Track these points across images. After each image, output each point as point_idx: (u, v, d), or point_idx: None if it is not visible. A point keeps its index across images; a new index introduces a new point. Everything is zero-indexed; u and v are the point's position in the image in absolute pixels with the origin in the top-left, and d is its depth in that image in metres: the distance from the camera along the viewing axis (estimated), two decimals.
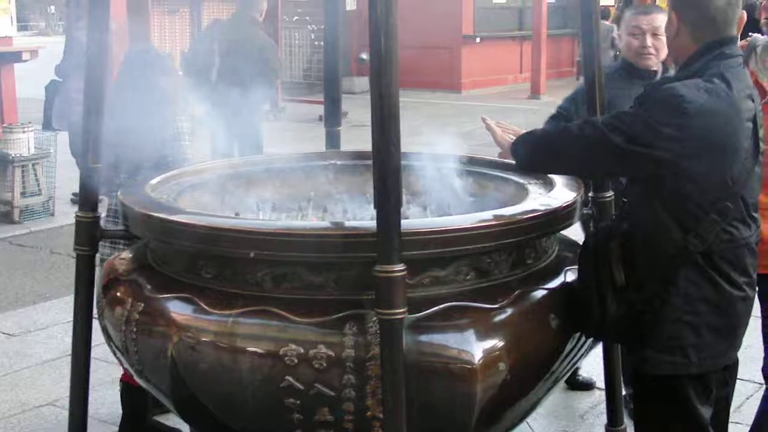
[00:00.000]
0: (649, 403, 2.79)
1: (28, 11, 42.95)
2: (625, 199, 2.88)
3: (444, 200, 3.44)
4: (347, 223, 2.99)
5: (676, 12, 2.69)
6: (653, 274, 2.64)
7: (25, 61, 10.10)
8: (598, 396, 4.39)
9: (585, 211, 3.16)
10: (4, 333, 5.39)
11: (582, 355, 3.00)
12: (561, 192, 3.02)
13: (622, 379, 3.50)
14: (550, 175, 3.18)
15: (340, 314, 2.53)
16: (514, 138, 2.93)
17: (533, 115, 12.25)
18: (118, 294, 2.89)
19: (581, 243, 2.94)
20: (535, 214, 2.79)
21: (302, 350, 2.50)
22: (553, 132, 2.87)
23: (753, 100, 2.67)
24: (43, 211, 8.32)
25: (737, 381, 2.94)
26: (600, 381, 3.91)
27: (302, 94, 15.26)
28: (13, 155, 7.96)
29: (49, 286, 6.24)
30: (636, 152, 2.55)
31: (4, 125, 8.61)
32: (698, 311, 2.64)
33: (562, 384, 3.26)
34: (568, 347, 2.82)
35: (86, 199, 3.07)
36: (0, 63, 10.00)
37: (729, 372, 2.83)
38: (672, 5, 2.73)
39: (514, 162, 2.94)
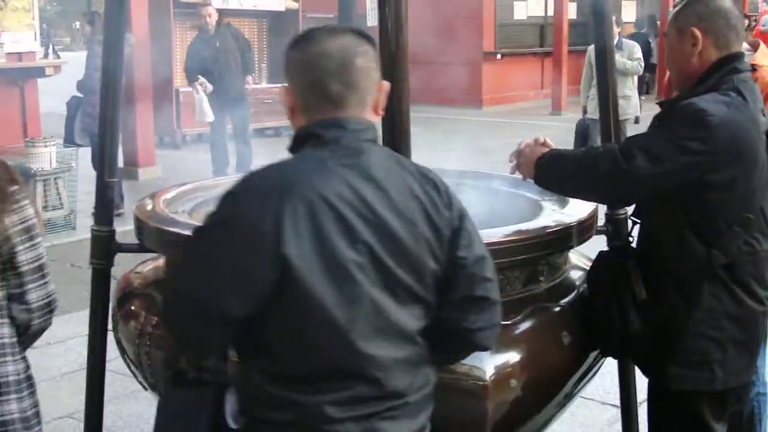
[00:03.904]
0: (666, 420, 2.78)
1: (54, 27, 43.40)
2: (634, 218, 2.88)
3: None
4: None
5: (699, 26, 2.66)
6: (675, 289, 2.63)
7: (49, 76, 10.22)
8: (615, 413, 4.36)
9: (599, 228, 3.15)
10: None
11: (595, 372, 2.99)
12: (575, 208, 3.02)
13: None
14: None
15: None
16: (534, 159, 2.79)
17: (554, 131, 12.23)
18: (133, 308, 2.91)
19: (593, 260, 2.93)
20: (549, 230, 2.79)
21: None
22: (574, 161, 2.71)
23: (764, 115, 2.69)
24: (65, 224, 8.39)
25: None
26: (616, 398, 3.89)
27: None
28: (36, 169, 8.04)
29: (69, 299, 6.26)
30: (662, 173, 2.52)
31: (26, 139, 8.70)
32: (722, 326, 2.62)
33: (576, 400, 3.25)
34: (581, 364, 2.81)
35: (102, 213, 3.10)
36: (23, 78, 10.12)
37: (743, 388, 2.82)
38: (691, 22, 2.67)
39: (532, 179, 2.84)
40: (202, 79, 9.80)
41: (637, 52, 10.05)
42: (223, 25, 10.51)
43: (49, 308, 2.51)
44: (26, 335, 2.50)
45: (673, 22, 2.74)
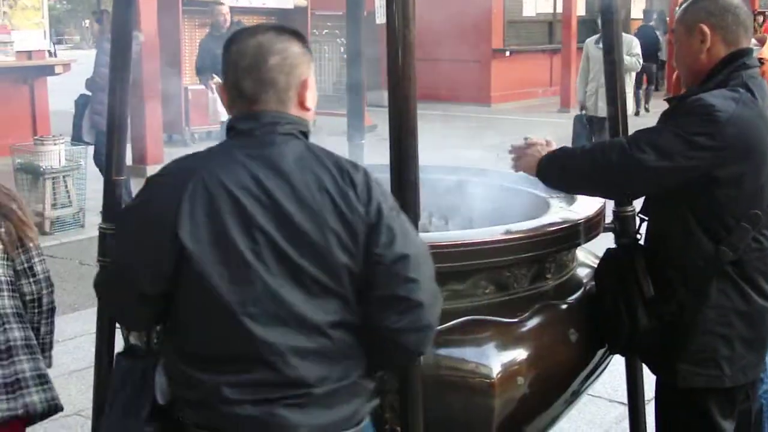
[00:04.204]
0: (674, 417, 2.78)
1: (64, 25, 43.52)
2: (642, 215, 2.87)
3: (466, 213, 3.45)
4: None
5: (707, 22, 2.65)
6: (683, 285, 2.64)
7: (58, 74, 10.25)
8: (622, 411, 4.35)
9: (607, 225, 3.15)
10: None
11: (602, 369, 2.99)
12: (583, 206, 3.02)
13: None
14: None
15: None
16: (538, 156, 2.82)
17: (563, 128, 12.20)
18: None
19: (600, 257, 2.93)
20: (556, 228, 2.79)
21: None
22: (577, 156, 2.72)
23: None
24: (74, 222, 8.41)
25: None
26: (623, 396, 3.88)
27: (332, 107, 15.30)
28: (45, 167, 8.06)
29: (78, 296, 6.30)
30: (670, 167, 2.53)
31: (36, 137, 8.72)
32: (731, 323, 2.62)
33: (584, 398, 3.24)
34: (588, 361, 2.81)
35: (110, 212, 3.11)
36: (33, 76, 10.16)
37: (751, 385, 2.82)
38: (699, 18, 2.67)
39: (537, 175, 2.85)
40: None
41: (636, 47, 9.74)
42: (234, 22, 10.52)
43: (50, 281, 2.89)
44: (41, 313, 2.88)
45: (681, 19, 2.73)
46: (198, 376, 1.97)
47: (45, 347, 2.95)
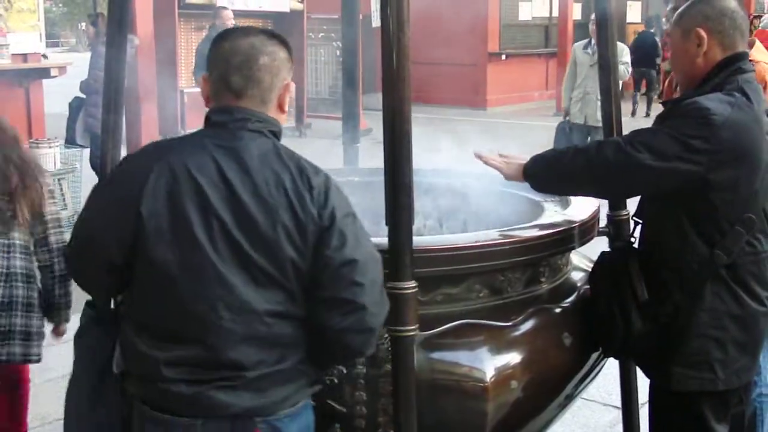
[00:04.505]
0: (668, 421, 2.78)
1: (60, 28, 43.49)
2: (636, 219, 2.87)
3: (460, 216, 3.45)
4: None
5: (704, 26, 2.66)
6: (677, 288, 2.64)
7: (54, 77, 10.22)
8: (616, 415, 4.35)
9: (601, 229, 3.15)
10: None
11: (596, 373, 2.99)
12: (576, 210, 3.02)
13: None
14: None
15: None
16: (523, 163, 2.83)
17: None
18: None
19: (595, 261, 2.93)
20: (549, 232, 2.79)
21: None
22: (568, 154, 2.72)
23: None
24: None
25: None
26: (617, 399, 3.89)
27: (328, 110, 15.31)
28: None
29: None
30: (664, 168, 2.53)
31: (31, 140, 8.70)
32: (724, 326, 2.63)
33: (578, 402, 3.25)
34: (582, 365, 2.81)
35: None
36: (28, 79, 10.13)
37: (744, 389, 2.82)
38: (696, 22, 2.67)
39: (524, 179, 2.85)
40: None
41: (626, 55, 9.28)
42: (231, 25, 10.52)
43: (62, 251, 3.27)
44: (54, 278, 3.34)
45: (678, 23, 2.73)
46: (143, 350, 2.08)
47: (61, 306, 3.40)
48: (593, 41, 8.43)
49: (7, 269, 3.23)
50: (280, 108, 2.19)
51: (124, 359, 2.18)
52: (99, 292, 2.36)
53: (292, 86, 2.22)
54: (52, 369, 5.07)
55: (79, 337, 2.49)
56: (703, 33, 2.66)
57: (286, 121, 2.23)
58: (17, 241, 3.25)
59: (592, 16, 8.79)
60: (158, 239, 2.03)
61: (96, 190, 2.22)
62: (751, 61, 2.82)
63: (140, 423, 2.14)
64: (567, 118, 8.99)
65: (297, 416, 2.14)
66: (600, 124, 8.10)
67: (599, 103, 7.94)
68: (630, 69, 9.66)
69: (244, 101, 2.14)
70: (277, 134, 2.16)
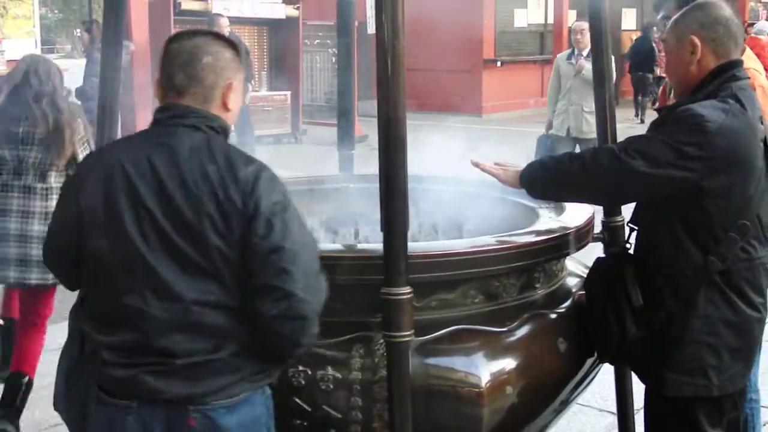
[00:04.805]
0: (663, 426, 2.78)
1: (55, 34, 43.46)
2: (632, 225, 2.88)
3: (456, 223, 3.45)
4: (356, 246, 3.01)
5: (698, 34, 2.66)
6: (672, 294, 2.64)
7: None
8: (612, 420, 4.35)
9: (596, 235, 3.16)
10: None
11: (591, 378, 2.99)
12: (571, 216, 3.03)
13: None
14: None
15: (348, 336, 2.55)
16: (519, 170, 2.86)
17: None
18: None
19: (590, 267, 2.94)
20: (544, 238, 2.80)
21: (310, 372, 2.52)
22: (564, 161, 2.75)
23: (762, 122, 2.69)
24: None
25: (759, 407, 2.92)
26: (613, 405, 3.89)
27: (324, 117, 15.33)
28: None
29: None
30: (658, 174, 2.54)
31: None
32: (718, 332, 2.63)
33: (574, 407, 3.25)
34: (577, 371, 2.82)
35: None
36: None
37: (739, 394, 2.82)
38: (691, 30, 2.68)
39: (521, 185, 2.88)
40: None
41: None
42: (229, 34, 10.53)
43: None
44: None
45: (672, 30, 2.74)
46: (91, 335, 2.23)
47: None
48: (576, 51, 8.30)
49: (46, 209, 3.93)
50: (224, 106, 2.25)
51: (86, 344, 2.31)
52: (67, 282, 2.44)
53: (238, 86, 2.26)
54: (47, 375, 5.04)
55: (73, 311, 2.55)
56: (697, 41, 2.67)
57: (234, 121, 2.33)
58: (54, 185, 3.96)
59: (573, 25, 8.65)
60: (94, 232, 2.17)
61: (61, 189, 2.36)
62: None
63: (93, 404, 2.27)
64: (550, 131, 8.65)
65: (236, 408, 2.16)
66: (585, 136, 7.99)
67: (585, 114, 7.92)
68: (613, 77, 9.50)
69: (186, 99, 2.22)
70: (217, 129, 2.22)
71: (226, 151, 2.17)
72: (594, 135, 8.09)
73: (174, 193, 2.11)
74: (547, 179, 2.78)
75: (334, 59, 16.14)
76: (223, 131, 2.24)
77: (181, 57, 2.22)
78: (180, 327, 2.12)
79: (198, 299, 2.11)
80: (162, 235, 2.12)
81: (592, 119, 7.54)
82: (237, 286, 2.13)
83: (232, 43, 2.30)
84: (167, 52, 2.25)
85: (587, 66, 7.68)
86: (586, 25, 8.08)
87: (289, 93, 14.61)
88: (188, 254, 2.11)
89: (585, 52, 7.87)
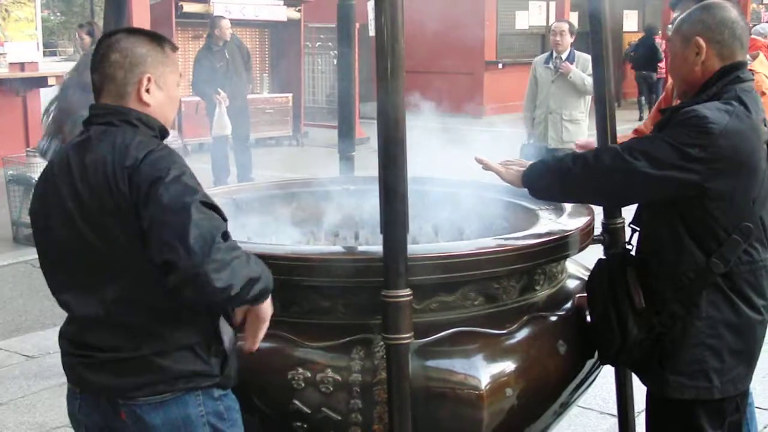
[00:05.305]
0: (664, 429, 2.78)
1: (57, 37, 43.49)
2: (634, 226, 2.88)
3: (456, 225, 3.45)
4: (356, 248, 3.01)
5: (703, 35, 2.66)
6: (674, 297, 2.64)
7: (51, 85, 10.24)
8: (613, 423, 4.35)
9: (596, 237, 3.16)
10: (23, 355, 5.46)
11: (591, 381, 2.99)
12: (571, 218, 3.03)
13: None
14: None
15: (348, 338, 2.55)
16: (522, 169, 2.87)
17: None
18: None
19: (592, 268, 2.93)
20: (544, 240, 2.80)
21: (309, 374, 2.52)
22: (567, 161, 2.74)
23: (765, 125, 2.68)
24: None
25: (756, 409, 2.91)
26: (614, 407, 3.89)
27: (325, 119, 15.34)
28: (36, 178, 8.03)
29: None
30: (661, 176, 2.53)
31: (27, 149, 8.71)
32: (720, 335, 2.63)
33: (575, 410, 3.25)
34: (577, 373, 2.81)
35: None
36: (26, 88, 10.16)
37: (741, 397, 2.82)
38: (696, 31, 2.67)
39: (523, 185, 2.88)
40: (223, 93, 9.78)
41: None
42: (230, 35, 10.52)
43: None
44: None
45: (677, 30, 2.74)
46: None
47: None
48: (555, 54, 7.71)
49: None
50: (140, 100, 2.26)
51: None
52: None
53: (146, 78, 2.24)
54: (48, 378, 5.08)
55: None
56: (702, 42, 2.66)
57: (164, 115, 2.33)
58: None
59: (553, 25, 8.07)
60: (37, 234, 2.30)
61: None
62: (750, 71, 2.83)
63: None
64: (531, 141, 8.08)
65: (163, 407, 2.20)
66: (564, 146, 7.27)
67: (565, 123, 7.57)
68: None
69: (104, 98, 2.27)
70: (133, 122, 2.23)
71: (126, 141, 2.17)
72: (573, 144, 7.40)
73: (83, 193, 2.17)
74: (549, 179, 2.78)
75: (335, 61, 16.14)
76: (143, 123, 2.24)
77: (96, 57, 2.28)
78: (104, 324, 2.20)
79: (114, 297, 2.17)
80: (78, 234, 2.18)
81: (572, 127, 7.49)
82: (153, 281, 2.11)
83: (153, 37, 2.31)
84: (92, 54, 2.31)
85: (573, 69, 7.43)
86: (566, 26, 7.77)
87: (290, 95, 14.64)
88: (100, 250, 2.16)
89: (564, 55, 7.58)
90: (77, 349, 2.26)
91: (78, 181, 2.18)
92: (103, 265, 2.17)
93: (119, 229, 2.13)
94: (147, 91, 2.25)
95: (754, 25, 11.23)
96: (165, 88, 2.29)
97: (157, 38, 2.32)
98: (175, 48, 2.37)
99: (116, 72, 2.24)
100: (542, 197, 3.00)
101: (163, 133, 2.30)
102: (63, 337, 2.32)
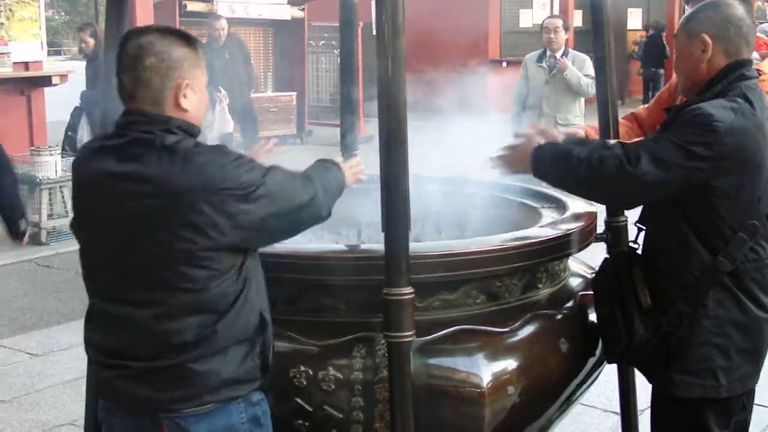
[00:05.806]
0: (670, 427, 2.77)
1: (62, 36, 43.55)
2: (639, 225, 2.87)
3: (458, 223, 3.45)
4: (358, 246, 3.01)
5: (709, 33, 2.65)
6: (681, 295, 2.63)
7: (55, 85, 10.25)
8: (617, 421, 4.34)
9: (598, 235, 3.15)
10: (27, 353, 5.46)
11: (594, 379, 2.99)
12: (573, 216, 3.02)
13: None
14: (564, 199, 3.17)
15: (350, 337, 2.55)
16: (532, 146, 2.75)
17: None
18: None
19: (596, 268, 2.93)
20: (546, 238, 2.79)
21: (311, 372, 2.52)
22: (572, 162, 2.64)
23: None
24: (70, 232, 8.38)
25: (759, 407, 2.90)
26: (618, 405, 3.89)
27: (329, 117, 15.32)
28: (41, 177, 8.06)
29: (74, 307, 6.29)
30: (668, 176, 2.52)
31: (32, 148, 8.72)
32: (727, 333, 2.62)
33: (578, 408, 3.24)
34: (579, 371, 2.81)
35: None
36: (30, 87, 10.17)
37: (747, 396, 2.81)
38: (702, 28, 2.67)
39: (531, 169, 2.76)
40: (224, 91, 9.79)
41: (589, 68, 7.27)
42: (230, 34, 10.54)
43: None
44: None
45: (684, 27, 2.73)
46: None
47: None
48: (548, 52, 7.43)
49: None
50: (178, 107, 2.18)
51: None
52: None
53: (197, 84, 2.20)
54: (52, 376, 5.09)
55: None
56: (708, 39, 2.65)
57: (198, 119, 2.27)
58: None
59: (545, 22, 7.72)
60: (83, 233, 2.26)
61: None
62: (757, 70, 2.82)
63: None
64: None
65: (206, 417, 2.16)
66: None
67: (560, 128, 7.28)
68: (594, 86, 9.05)
69: (137, 102, 2.16)
70: (171, 131, 2.14)
71: (173, 151, 2.11)
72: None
73: (124, 202, 2.11)
74: (559, 172, 2.72)
75: (339, 60, 16.14)
76: (183, 131, 2.17)
77: (125, 58, 2.16)
78: (141, 333, 2.14)
79: (156, 304, 2.12)
80: (110, 239, 2.15)
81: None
82: (185, 290, 2.11)
83: (186, 39, 2.21)
84: (118, 53, 2.19)
85: (570, 66, 7.19)
86: (560, 22, 7.48)
87: (294, 94, 14.63)
88: (147, 262, 2.11)
89: (558, 54, 7.32)
90: (108, 358, 2.20)
91: (119, 192, 2.12)
92: (147, 276, 2.12)
93: (141, 232, 2.10)
94: (184, 96, 2.17)
95: (761, 23, 11.17)
96: (198, 91, 2.21)
97: (189, 40, 2.22)
98: (203, 47, 2.32)
99: (152, 77, 2.14)
100: (542, 180, 2.93)
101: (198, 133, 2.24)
102: (91, 345, 2.26)
